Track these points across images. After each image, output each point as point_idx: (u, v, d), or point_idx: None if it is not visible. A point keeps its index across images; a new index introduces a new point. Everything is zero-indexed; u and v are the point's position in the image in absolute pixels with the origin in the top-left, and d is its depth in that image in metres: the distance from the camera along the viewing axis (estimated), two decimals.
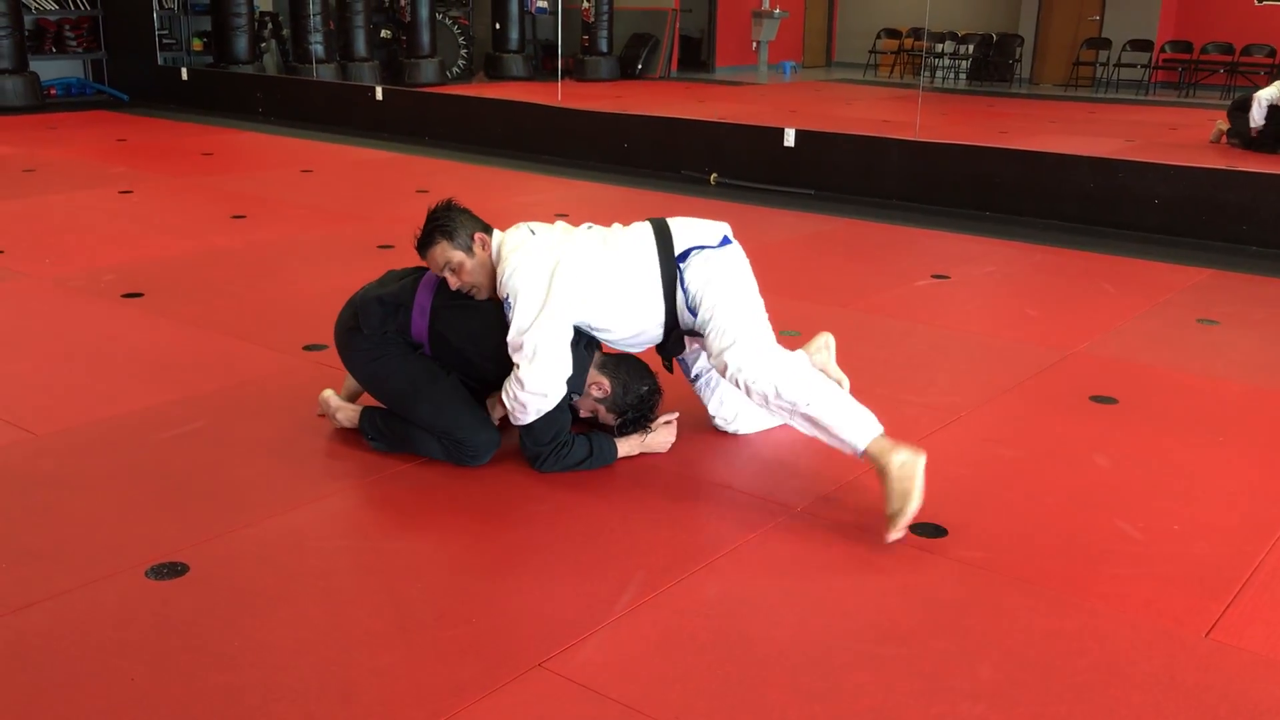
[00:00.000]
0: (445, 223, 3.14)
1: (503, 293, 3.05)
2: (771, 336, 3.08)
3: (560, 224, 3.29)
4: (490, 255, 3.15)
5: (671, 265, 3.11)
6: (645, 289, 3.12)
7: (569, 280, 3.03)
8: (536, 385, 2.96)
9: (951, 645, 2.35)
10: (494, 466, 3.17)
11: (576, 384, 3.09)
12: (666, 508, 2.98)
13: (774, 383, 2.93)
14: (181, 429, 3.41)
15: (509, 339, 3.00)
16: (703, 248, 3.12)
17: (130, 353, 4.13)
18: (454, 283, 3.15)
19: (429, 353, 3.18)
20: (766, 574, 2.67)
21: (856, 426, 2.90)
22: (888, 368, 4.09)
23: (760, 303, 3.16)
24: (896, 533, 2.75)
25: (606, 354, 3.23)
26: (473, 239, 3.14)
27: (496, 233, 3.21)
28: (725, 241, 3.17)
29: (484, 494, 3.02)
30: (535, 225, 3.23)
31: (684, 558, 2.71)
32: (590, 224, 3.32)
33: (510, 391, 3.00)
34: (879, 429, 2.89)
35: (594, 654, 2.30)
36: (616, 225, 3.29)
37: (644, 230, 3.18)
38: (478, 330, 3.12)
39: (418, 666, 2.24)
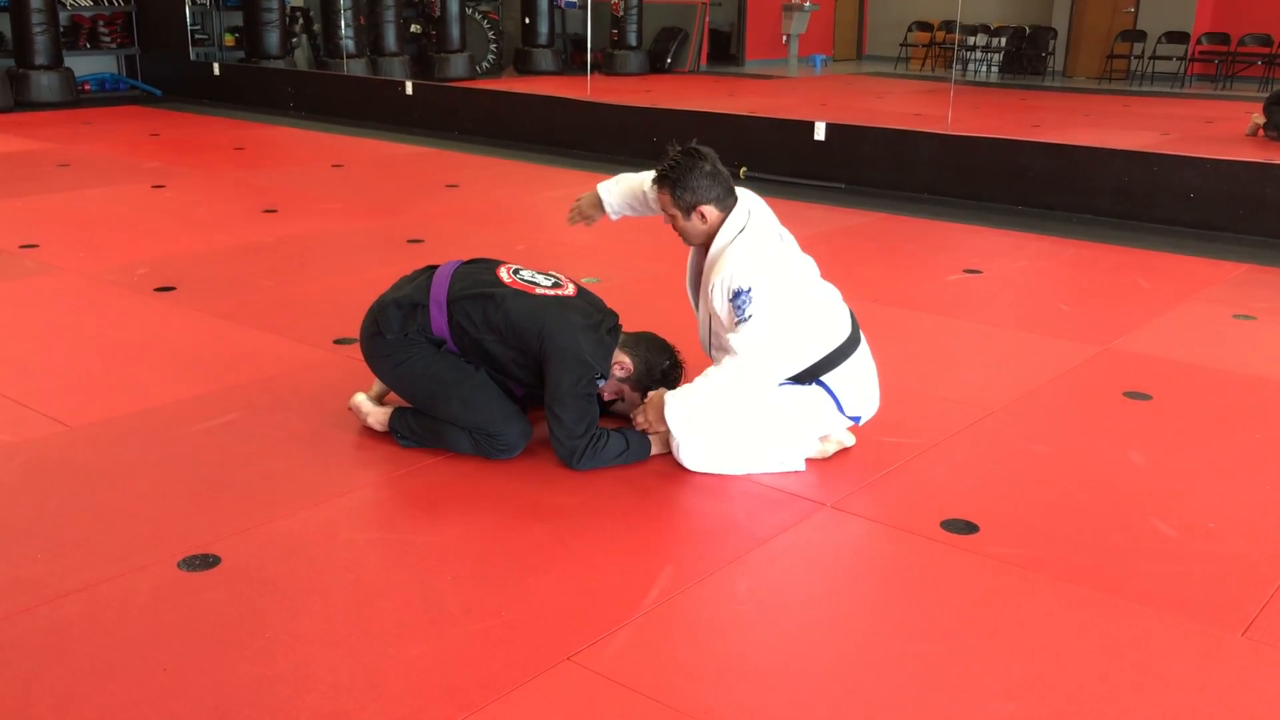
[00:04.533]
0: (679, 176, 3.07)
1: (732, 285, 2.98)
2: (743, 432, 3.10)
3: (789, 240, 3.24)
4: (709, 227, 3.11)
5: (810, 378, 3.12)
6: (787, 366, 3.12)
7: (787, 297, 3.04)
8: (763, 367, 2.99)
9: (983, 643, 2.33)
10: (524, 460, 3.17)
11: (604, 367, 3.10)
12: (697, 502, 2.98)
13: (696, 463, 3.10)
14: (213, 421, 3.43)
15: (734, 336, 2.97)
16: (835, 399, 3.13)
17: (163, 346, 4.16)
18: (667, 221, 3.20)
19: (453, 348, 3.19)
20: (797, 570, 2.66)
21: (785, 467, 3.12)
22: (919, 363, 4.06)
23: (795, 438, 3.16)
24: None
25: (626, 334, 3.23)
26: (695, 211, 3.09)
27: (739, 207, 3.11)
28: (855, 420, 3.22)
29: (514, 487, 3.02)
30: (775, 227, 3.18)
31: (714, 553, 2.70)
32: (814, 268, 3.25)
33: (726, 368, 2.99)
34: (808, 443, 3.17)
35: (624, 648, 2.29)
36: (832, 291, 3.24)
37: (836, 334, 3.14)
38: (497, 321, 3.12)
39: (447, 659, 2.24)
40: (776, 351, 3.01)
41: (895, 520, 2.86)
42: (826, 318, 3.15)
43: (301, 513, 2.86)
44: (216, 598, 2.46)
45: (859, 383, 3.18)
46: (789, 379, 3.14)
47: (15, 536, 2.71)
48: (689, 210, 3.09)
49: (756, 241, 3.06)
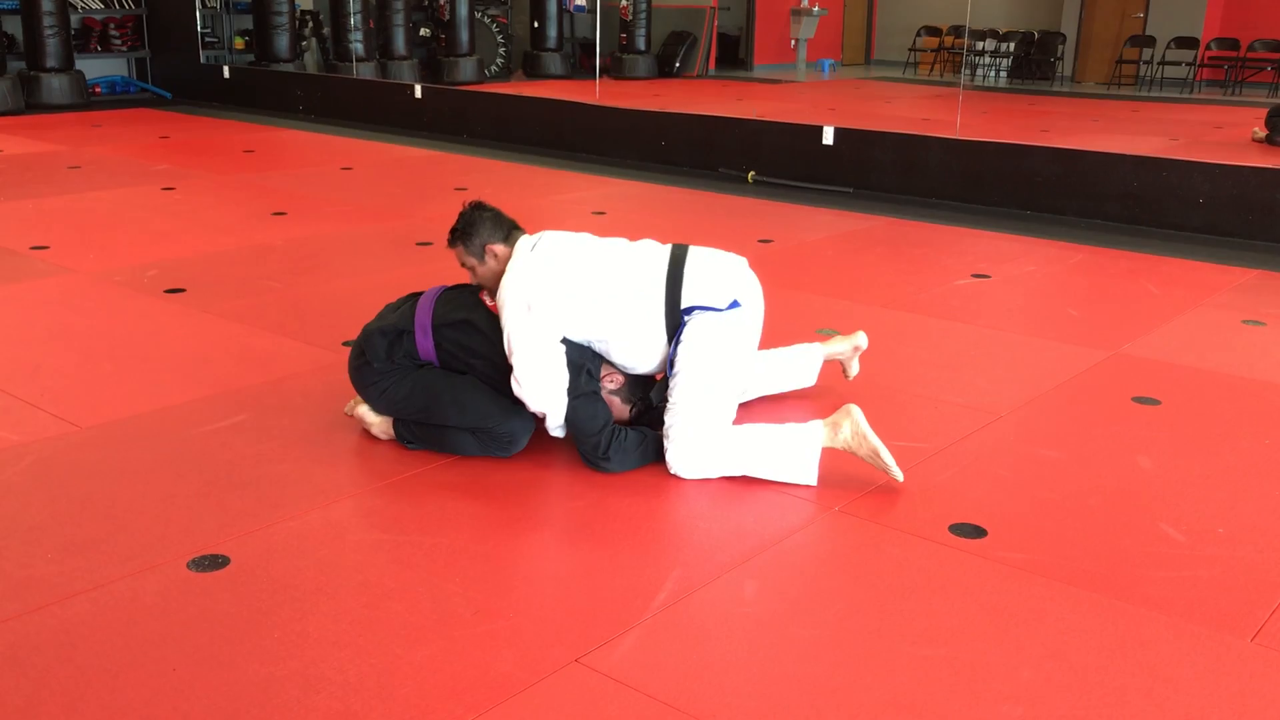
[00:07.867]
0: (465, 228, 3.30)
1: (499, 305, 3.15)
2: (724, 416, 3.12)
3: (582, 236, 3.31)
4: (501, 264, 3.24)
5: (676, 314, 3.14)
6: (646, 322, 3.15)
7: (553, 304, 3.09)
8: (531, 394, 3.07)
9: (991, 647, 2.33)
10: (532, 462, 3.18)
11: (595, 364, 3.17)
12: (705, 505, 2.98)
13: (696, 473, 3.09)
14: (222, 423, 3.44)
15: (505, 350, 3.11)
16: (707, 309, 3.14)
17: (172, 347, 4.17)
18: (472, 279, 3.34)
19: (439, 367, 3.23)
20: (804, 573, 2.66)
21: (795, 469, 3.06)
22: (928, 367, 4.06)
23: (738, 373, 3.20)
24: (897, 472, 3.02)
25: None
26: (485, 250, 3.26)
27: (523, 239, 3.27)
28: (734, 305, 3.16)
29: (522, 489, 3.03)
30: (551, 236, 3.26)
31: (722, 555, 2.70)
32: (620, 240, 3.33)
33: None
34: (817, 441, 3.06)
35: (631, 650, 2.30)
36: (645, 242, 3.31)
37: (659, 265, 3.18)
38: (478, 346, 3.17)
39: (455, 660, 2.25)
40: (531, 346, 3.05)
41: (903, 524, 2.86)
42: (637, 267, 3.19)
43: (310, 513, 2.87)
44: (225, 598, 2.47)
45: (708, 278, 3.18)
46: (674, 341, 3.14)
47: (25, 536, 2.72)
48: (481, 252, 3.27)
49: (517, 256, 3.20)
